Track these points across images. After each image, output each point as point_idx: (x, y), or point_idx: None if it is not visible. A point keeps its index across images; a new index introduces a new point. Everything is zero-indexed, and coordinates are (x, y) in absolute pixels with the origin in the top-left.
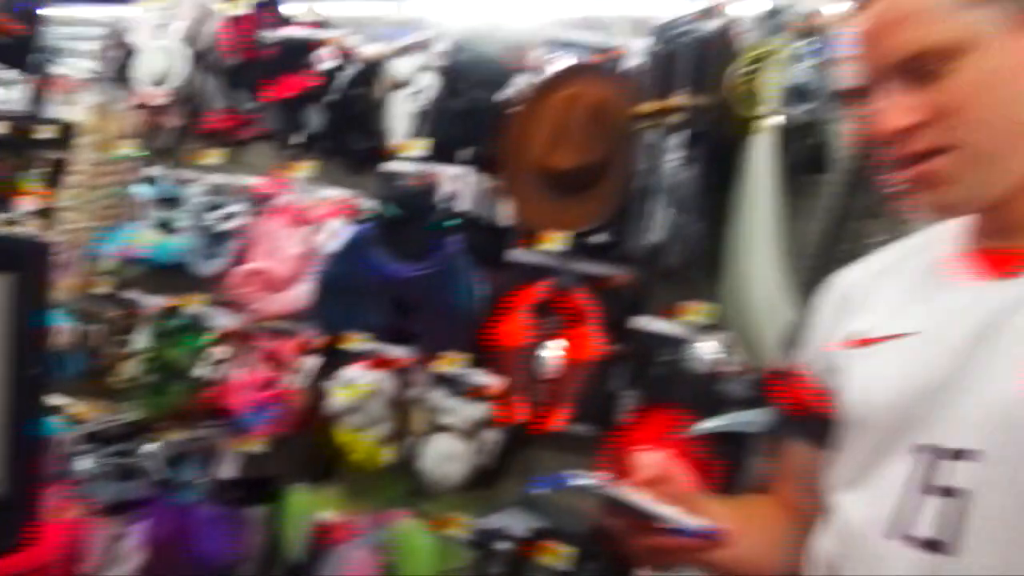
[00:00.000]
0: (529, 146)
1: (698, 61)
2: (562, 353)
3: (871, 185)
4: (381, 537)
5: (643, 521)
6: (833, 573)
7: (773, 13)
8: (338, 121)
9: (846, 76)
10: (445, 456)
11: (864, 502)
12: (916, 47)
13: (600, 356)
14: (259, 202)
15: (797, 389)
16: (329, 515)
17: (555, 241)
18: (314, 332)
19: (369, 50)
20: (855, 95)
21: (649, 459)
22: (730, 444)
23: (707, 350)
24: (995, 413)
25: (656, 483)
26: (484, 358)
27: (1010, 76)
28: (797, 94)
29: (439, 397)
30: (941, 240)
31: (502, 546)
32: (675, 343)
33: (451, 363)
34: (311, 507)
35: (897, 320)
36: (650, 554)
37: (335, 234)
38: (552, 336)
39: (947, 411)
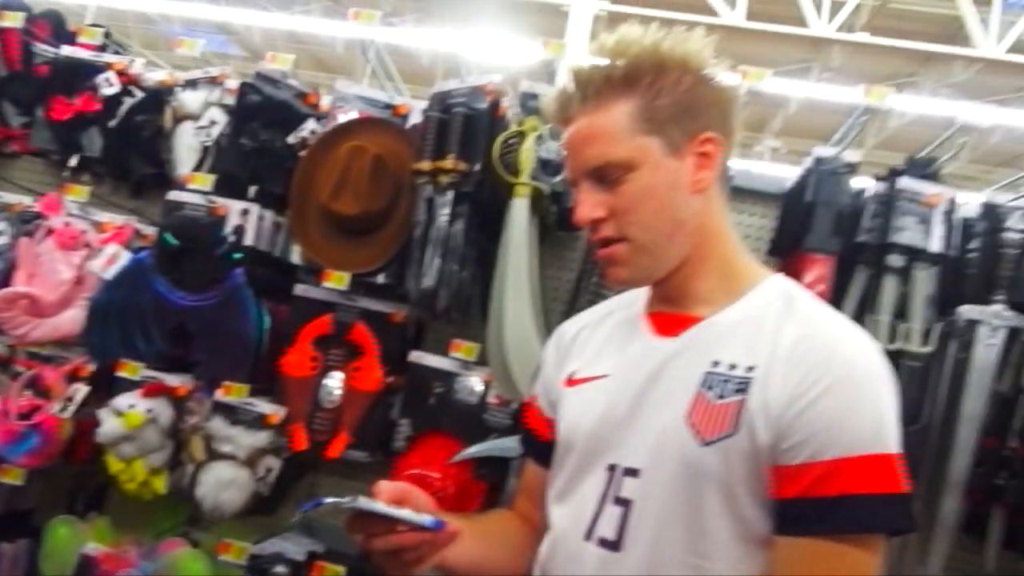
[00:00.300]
0: (315, 190)
1: (467, 131)
2: (343, 384)
3: None
4: (154, 567)
5: (386, 525)
6: (544, 573)
7: (531, 96)
8: (119, 146)
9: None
10: (224, 484)
11: (569, 511)
12: (602, 160)
13: (379, 387)
14: (26, 222)
15: (532, 418)
16: (96, 547)
17: (339, 279)
18: (85, 359)
19: (155, 78)
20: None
21: (390, 485)
22: (492, 467)
23: (474, 383)
24: (651, 439)
25: (397, 503)
26: (266, 388)
27: (667, 189)
28: (550, 166)
29: (219, 425)
30: (635, 301)
31: (279, 570)
32: (446, 376)
33: (232, 392)
34: (77, 540)
35: (598, 364)
36: (393, 555)
37: (112, 259)
38: (334, 367)
39: (626, 438)
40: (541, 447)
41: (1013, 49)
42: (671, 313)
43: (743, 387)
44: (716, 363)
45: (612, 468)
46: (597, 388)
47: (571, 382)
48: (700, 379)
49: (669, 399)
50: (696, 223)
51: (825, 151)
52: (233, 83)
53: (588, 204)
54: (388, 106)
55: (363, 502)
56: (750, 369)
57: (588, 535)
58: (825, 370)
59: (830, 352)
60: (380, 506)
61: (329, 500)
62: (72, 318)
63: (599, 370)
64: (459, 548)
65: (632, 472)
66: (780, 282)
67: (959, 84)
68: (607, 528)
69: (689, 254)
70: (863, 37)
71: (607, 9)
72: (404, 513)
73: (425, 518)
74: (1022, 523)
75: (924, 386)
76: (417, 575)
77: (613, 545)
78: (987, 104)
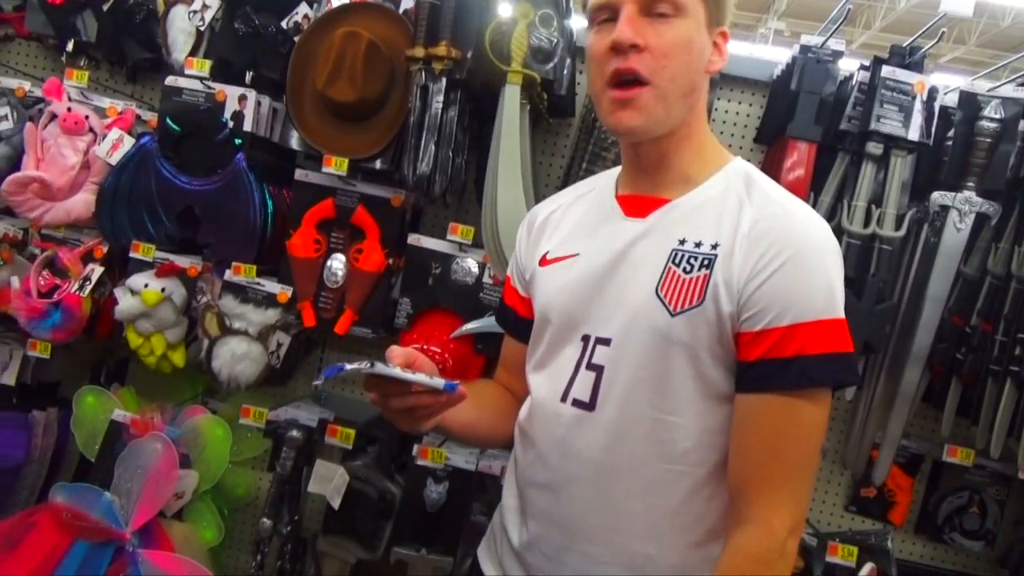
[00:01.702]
0: (311, 76)
1: (459, 17)
2: (347, 265)
3: (598, 133)
4: (179, 432)
5: (402, 387)
6: (523, 432)
7: None
8: (114, 30)
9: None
10: (238, 357)
11: (547, 378)
12: None
13: (382, 268)
14: (28, 107)
15: (509, 296)
16: (125, 413)
17: (339, 164)
18: (99, 240)
19: None
20: (598, 10)
21: (401, 349)
22: (489, 341)
23: (470, 264)
24: (621, 312)
25: (408, 365)
26: (273, 268)
27: (698, 51)
28: (541, 54)
29: (230, 303)
30: (606, 185)
31: (294, 434)
32: (444, 258)
33: (241, 272)
34: (105, 407)
35: (570, 244)
36: (407, 413)
37: (117, 144)
38: (337, 250)
39: (597, 310)
40: (518, 322)
41: None
42: (640, 195)
43: (708, 263)
44: (683, 241)
45: (586, 339)
46: (570, 266)
47: (544, 262)
48: (669, 255)
49: (639, 274)
50: (696, 98)
51: (812, 39)
52: None
53: (633, 28)
54: None
55: (381, 368)
56: (714, 247)
57: (564, 397)
58: (783, 246)
59: (786, 230)
60: (397, 371)
61: (350, 366)
62: (83, 201)
63: (571, 249)
64: (455, 411)
65: (604, 341)
66: (741, 165)
67: None
68: (582, 391)
69: (679, 126)
70: None
71: None
72: (419, 377)
73: (438, 381)
74: (976, 394)
75: (896, 268)
76: (424, 430)
77: (588, 405)
78: None
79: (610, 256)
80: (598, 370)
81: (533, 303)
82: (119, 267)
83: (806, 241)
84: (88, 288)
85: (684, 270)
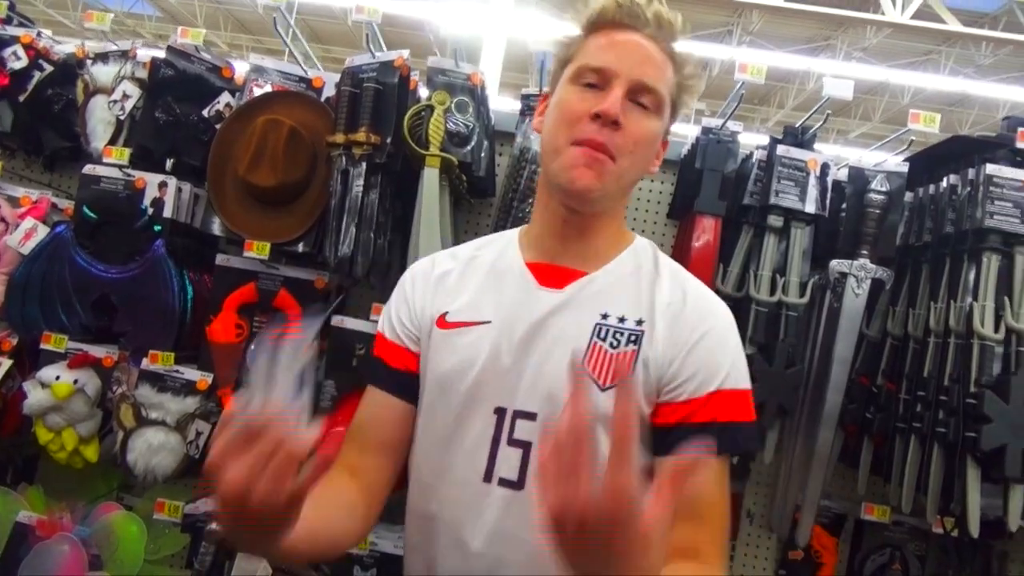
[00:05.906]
0: (233, 162)
1: (378, 104)
2: None
3: (515, 212)
4: (90, 530)
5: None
6: (427, 517)
7: (440, 72)
8: (31, 120)
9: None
10: (154, 448)
11: (459, 455)
12: (658, 84)
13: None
14: None
15: (395, 353)
16: (30, 515)
17: (261, 249)
18: (6, 333)
19: (65, 50)
20: (588, 72)
21: None
22: None
23: None
24: (543, 386)
25: None
26: (192, 355)
27: (654, 151)
28: (458, 137)
29: (147, 393)
30: (504, 248)
31: (214, 526)
32: (368, 338)
33: (159, 360)
34: (10, 509)
35: (477, 310)
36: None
37: (30, 234)
38: (259, 333)
39: (514, 383)
40: (406, 380)
41: (917, 15)
42: (554, 265)
43: (636, 339)
44: (605, 316)
45: (500, 412)
46: (479, 334)
47: (446, 324)
48: (593, 329)
49: (561, 347)
50: (631, 190)
51: (712, 121)
52: (145, 53)
53: (621, 107)
54: (303, 79)
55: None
56: (639, 323)
57: (488, 477)
58: (697, 323)
59: (701, 308)
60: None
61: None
62: None
63: (479, 316)
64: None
65: (527, 415)
66: (647, 244)
67: (871, 48)
68: (508, 469)
69: (611, 208)
70: (779, 2)
71: None
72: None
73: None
74: (887, 452)
75: (803, 333)
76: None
77: (516, 484)
78: (895, 67)
79: (526, 327)
80: (525, 447)
81: (427, 363)
82: (30, 359)
83: (718, 318)
84: None
85: (611, 345)
